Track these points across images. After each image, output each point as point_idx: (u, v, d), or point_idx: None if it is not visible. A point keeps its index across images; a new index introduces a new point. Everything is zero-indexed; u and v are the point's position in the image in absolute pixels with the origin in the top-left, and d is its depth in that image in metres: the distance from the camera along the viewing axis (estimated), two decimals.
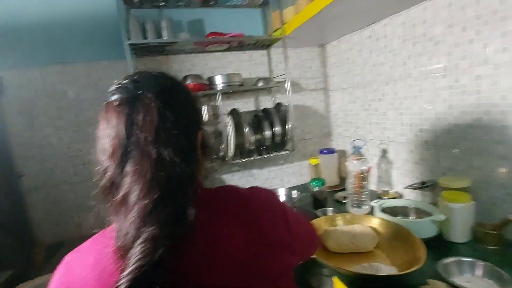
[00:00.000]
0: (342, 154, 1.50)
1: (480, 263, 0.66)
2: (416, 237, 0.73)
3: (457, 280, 0.64)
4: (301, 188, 1.42)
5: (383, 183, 1.27)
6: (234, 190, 0.44)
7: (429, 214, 0.88)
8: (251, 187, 0.47)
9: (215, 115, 1.21)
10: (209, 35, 1.22)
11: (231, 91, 1.29)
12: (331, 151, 1.41)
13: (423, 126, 1.02)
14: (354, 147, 1.08)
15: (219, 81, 1.21)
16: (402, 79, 1.07)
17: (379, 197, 1.17)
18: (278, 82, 1.33)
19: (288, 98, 1.30)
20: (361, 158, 1.07)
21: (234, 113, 1.26)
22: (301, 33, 1.21)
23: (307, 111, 1.53)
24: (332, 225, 0.90)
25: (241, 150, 1.26)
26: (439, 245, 0.81)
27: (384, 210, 0.95)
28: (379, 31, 1.15)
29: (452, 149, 0.93)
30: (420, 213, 0.92)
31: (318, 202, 1.16)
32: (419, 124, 1.03)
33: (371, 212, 1.04)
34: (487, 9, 0.78)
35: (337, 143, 1.57)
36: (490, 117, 0.81)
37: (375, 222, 0.87)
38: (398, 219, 0.85)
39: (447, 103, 0.92)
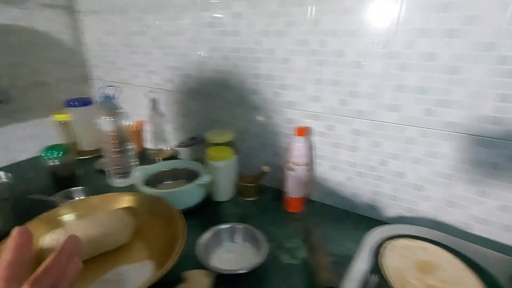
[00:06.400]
0: None
1: (239, 226, 0.60)
2: (178, 216, 0.56)
3: (218, 253, 0.56)
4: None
5: (159, 140, 1.07)
6: None
7: (198, 175, 0.77)
8: None
9: None
10: None
11: None
12: (85, 102, 1.00)
13: (189, 71, 0.85)
14: (103, 96, 0.76)
15: None
16: (163, 6, 0.82)
17: (152, 158, 0.97)
18: None
19: None
20: (115, 112, 0.77)
21: None
22: None
23: (40, 39, 0.98)
24: (56, 225, 0.57)
25: None
26: (206, 209, 0.72)
27: (151, 179, 0.75)
28: None
29: (217, 98, 0.83)
30: (191, 175, 0.80)
31: (62, 181, 0.79)
32: (185, 68, 0.86)
33: None
34: None
35: (98, 91, 1.16)
36: (246, 63, 0.74)
37: (125, 201, 0.64)
38: (157, 191, 0.67)
39: (210, 44, 0.78)
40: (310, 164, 0.71)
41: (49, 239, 0.52)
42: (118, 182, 0.84)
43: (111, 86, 0.77)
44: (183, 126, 0.95)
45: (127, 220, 0.60)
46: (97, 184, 0.81)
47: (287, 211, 0.72)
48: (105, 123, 0.77)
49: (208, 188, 0.74)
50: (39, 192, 0.73)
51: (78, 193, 0.75)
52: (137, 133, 1.04)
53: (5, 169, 0.90)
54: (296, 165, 0.68)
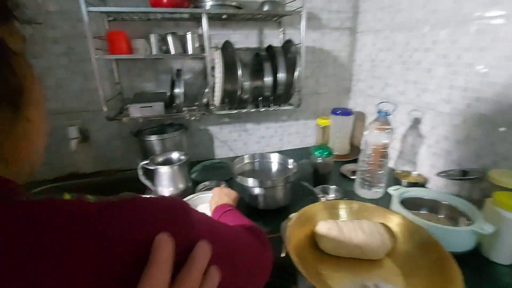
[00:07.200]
0: (360, 117, 1.22)
1: None
2: (453, 262, 0.49)
3: None
4: (302, 152, 1.18)
5: (405, 161, 1.01)
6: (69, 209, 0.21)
7: (466, 217, 0.65)
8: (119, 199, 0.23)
9: (202, 47, 0.92)
10: None
11: (225, 17, 0.96)
12: (346, 113, 1.12)
13: (483, 94, 0.71)
14: (379, 111, 0.80)
15: None
16: (470, 20, 0.72)
17: (397, 179, 0.93)
18: (290, 11, 0.99)
19: (301, 35, 0.97)
20: (387, 128, 0.79)
21: (226, 47, 0.96)
22: None
23: (325, 56, 1.20)
24: (332, 216, 0.67)
25: (232, 99, 0.99)
26: (474, 264, 0.59)
27: (404, 202, 0.71)
28: None
29: None
30: (454, 213, 0.68)
31: (320, 177, 0.93)
32: (478, 90, 0.72)
33: (384, 198, 0.81)
34: None
35: (356, 102, 1.26)
36: None
37: (392, 220, 0.63)
38: (425, 222, 0.61)
39: None
40: None
41: (324, 226, 0.61)
42: (363, 192, 0.87)
43: (386, 102, 0.79)
44: (448, 153, 0.83)
45: (386, 237, 0.60)
46: (341, 187, 0.87)
47: None
48: (374, 136, 0.81)
49: (482, 239, 0.60)
50: (301, 180, 0.89)
51: (332, 191, 0.85)
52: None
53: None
54: None
